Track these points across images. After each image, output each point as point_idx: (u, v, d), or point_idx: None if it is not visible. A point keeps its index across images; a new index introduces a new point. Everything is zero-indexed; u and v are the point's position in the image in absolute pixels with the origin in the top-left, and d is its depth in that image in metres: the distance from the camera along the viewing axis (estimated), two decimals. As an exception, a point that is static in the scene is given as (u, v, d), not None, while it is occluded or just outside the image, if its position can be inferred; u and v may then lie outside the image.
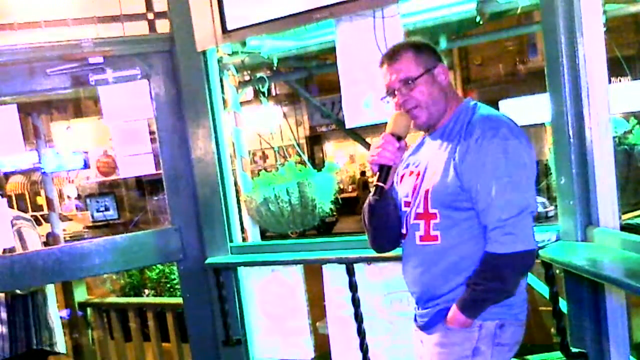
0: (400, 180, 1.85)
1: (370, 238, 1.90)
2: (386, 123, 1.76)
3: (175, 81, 2.83)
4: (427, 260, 1.74)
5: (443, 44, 3.75)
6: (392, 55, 1.75)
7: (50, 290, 3.15)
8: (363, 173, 18.82)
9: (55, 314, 3.18)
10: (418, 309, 1.83)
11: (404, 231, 1.82)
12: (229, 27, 2.65)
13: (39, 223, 3.16)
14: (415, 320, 1.85)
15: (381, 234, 1.87)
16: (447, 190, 1.67)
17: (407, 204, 1.80)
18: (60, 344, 3.17)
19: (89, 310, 4.08)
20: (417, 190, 1.76)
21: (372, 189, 1.74)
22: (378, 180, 1.72)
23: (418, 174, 1.78)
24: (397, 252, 1.90)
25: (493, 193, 1.61)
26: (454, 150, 1.67)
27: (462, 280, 1.69)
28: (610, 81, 2.04)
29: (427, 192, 1.71)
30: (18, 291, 2.88)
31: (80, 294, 4.11)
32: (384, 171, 1.72)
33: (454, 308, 1.68)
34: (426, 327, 1.79)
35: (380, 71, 1.79)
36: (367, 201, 1.83)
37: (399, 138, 1.71)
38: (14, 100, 2.65)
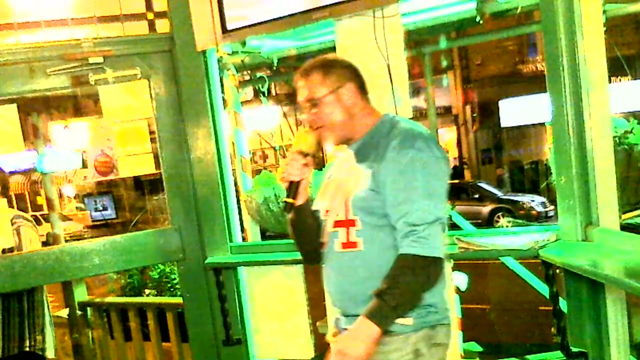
0: (322, 191, 1.88)
1: (299, 251, 1.95)
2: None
3: (175, 81, 2.83)
4: (348, 267, 1.74)
5: (443, 44, 3.75)
6: (303, 73, 1.76)
7: (44, 292, 3.13)
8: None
9: (49, 317, 3.16)
10: (342, 321, 1.80)
11: (324, 240, 1.83)
12: (229, 27, 2.65)
13: (38, 223, 3.15)
14: (340, 331, 1.81)
15: (307, 247, 1.91)
16: (365, 197, 1.70)
17: (327, 212, 1.82)
18: (50, 349, 3.14)
19: (89, 310, 4.08)
20: (336, 199, 1.79)
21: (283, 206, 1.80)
22: (287, 197, 1.79)
23: (338, 183, 1.82)
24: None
25: (408, 201, 1.63)
26: (373, 159, 1.70)
27: None
28: (610, 81, 2.04)
29: (346, 199, 1.74)
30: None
31: (80, 294, 4.11)
32: (293, 187, 1.78)
33: (360, 319, 1.61)
34: None
35: None
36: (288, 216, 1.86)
37: (305, 155, 1.78)
38: (14, 100, 2.65)
